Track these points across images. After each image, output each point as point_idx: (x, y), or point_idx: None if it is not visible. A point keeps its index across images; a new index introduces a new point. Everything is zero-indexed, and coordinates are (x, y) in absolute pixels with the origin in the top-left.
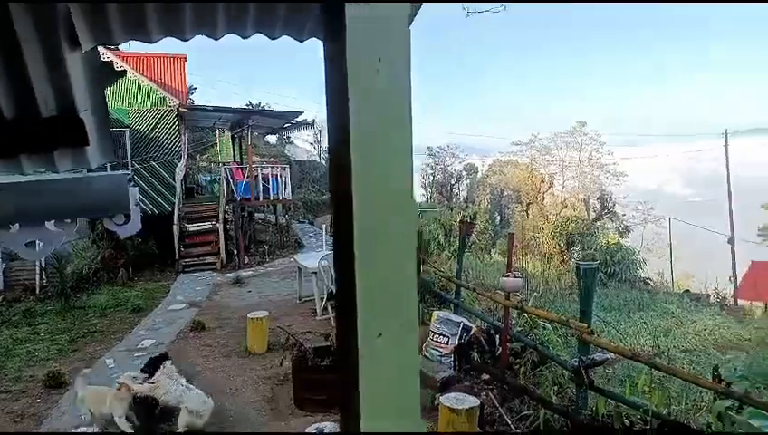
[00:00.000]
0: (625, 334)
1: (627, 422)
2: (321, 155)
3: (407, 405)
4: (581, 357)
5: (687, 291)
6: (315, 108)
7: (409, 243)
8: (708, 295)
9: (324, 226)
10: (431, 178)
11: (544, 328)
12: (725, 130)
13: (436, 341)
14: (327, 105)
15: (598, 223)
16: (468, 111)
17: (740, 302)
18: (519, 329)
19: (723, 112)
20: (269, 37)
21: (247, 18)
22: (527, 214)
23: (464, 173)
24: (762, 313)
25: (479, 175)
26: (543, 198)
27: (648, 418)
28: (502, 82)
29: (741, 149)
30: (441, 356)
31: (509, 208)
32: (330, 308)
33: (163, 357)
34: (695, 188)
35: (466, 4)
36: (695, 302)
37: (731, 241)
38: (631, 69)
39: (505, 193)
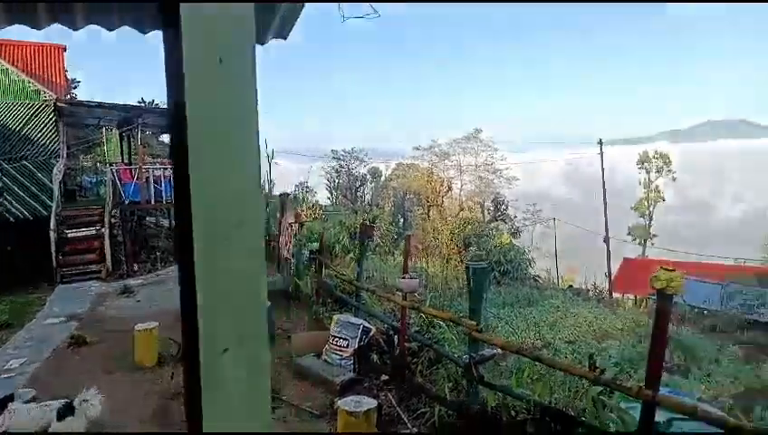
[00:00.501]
0: (517, 329)
1: (513, 413)
2: None
3: (255, 419)
4: (471, 354)
5: (571, 286)
6: None
7: (256, 251)
8: (588, 290)
9: None
10: (336, 181)
11: (441, 327)
12: (600, 140)
13: (336, 344)
14: (167, 101)
15: (492, 224)
16: (375, 116)
17: (614, 295)
18: (417, 329)
19: (600, 123)
20: (106, 28)
21: (75, 8)
22: (428, 216)
23: (368, 177)
24: (632, 304)
25: (383, 179)
26: (442, 201)
27: (531, 407)
28: (404, 88)
29: (615, 157)
30: (341, 360)
31: (411, 211)
32: None
33: (7, 399)
34: (577, 191)
35: (342, 8)
36: (576, 296)
37: (606, 240)
38: (524, 79)
39: (408, 196)
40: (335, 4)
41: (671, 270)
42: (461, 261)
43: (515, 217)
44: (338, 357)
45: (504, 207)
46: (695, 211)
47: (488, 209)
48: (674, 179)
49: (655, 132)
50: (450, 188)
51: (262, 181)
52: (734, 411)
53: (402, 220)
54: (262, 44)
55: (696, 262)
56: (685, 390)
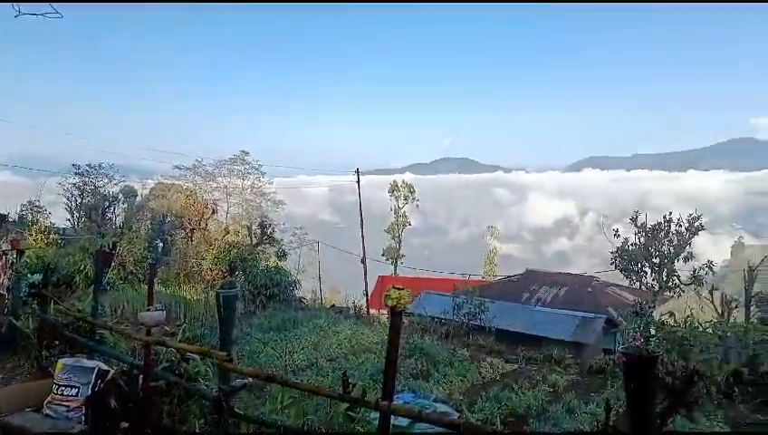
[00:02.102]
0: (282, 351)
1: None
2: None
3: None
4: (221, 386)
5: (333, 306)
6: None
7: None
8: (349, 308)
9: None
10: (78, 200)
11: (194, 360)
12: (357, 169)
13: (62, 394)
14: None
15: (259, 248)
16: (126, 129)
17: (371, 311)
18: (167, 364)
19: (360, 153)
20: None
21: None
22: (191, 240)
23: (120, 196)
24: (386, 319)
25: (139, 199)
26: (207, 224)
27: (281, 433)
28: (165, 102)
29: (369, 185)
30: (68, 411)
31: (172, 235)
32: None
33: None
34: (340, 216)
35: (17, 5)
36: (339, 315)
37: (363, 261)
38: (295, 107)
39: (168, 219)
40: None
41: (401, 289)
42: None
43: (282, 240)
44: (64, 409)
45: (270, 230)
46: (433, 233)
47: (255, 233)
48: (417, 206)
49: (403, 165)
50: (215, 211)
51: None
52: (463, 404)
53: (161, 245)
54: None
55: (434, 277)
56: (426, 392)
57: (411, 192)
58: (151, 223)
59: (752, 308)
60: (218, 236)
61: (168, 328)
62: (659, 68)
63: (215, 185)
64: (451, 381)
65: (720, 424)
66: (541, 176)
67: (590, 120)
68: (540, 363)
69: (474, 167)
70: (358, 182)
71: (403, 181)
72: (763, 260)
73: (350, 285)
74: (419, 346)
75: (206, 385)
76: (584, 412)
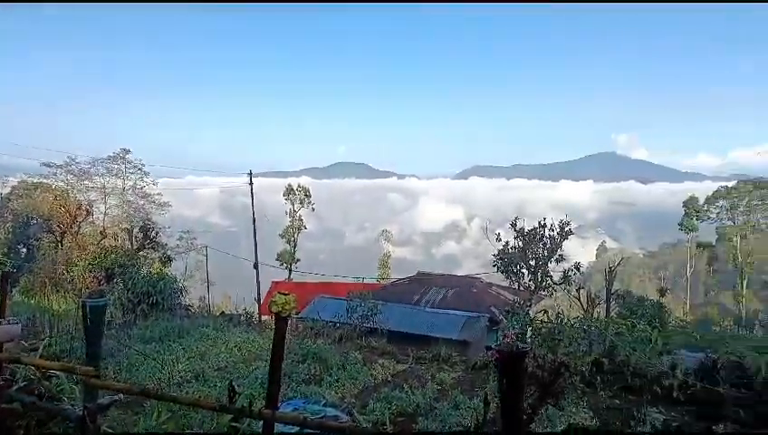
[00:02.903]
0: (165, 363)
1: None
2: None
3: None
4: (86, 405)
5: (223, 313)
6: None
7: None
8: (240, 315)
9: None
10: None
11: (57, 378)
12: (251, 171)
13: None
14: None
15: (141, 253)
16: None
17: (264, 317)
18: (24, 384)
19: (255, 155)
20: None
21: None
22: (60, 245)
23: None
24: None
25: None
26: (80, 227)
27: None
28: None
29: (264, 188)
30: None
31: (39, 239)
32: None
33: None
34: (232, 219)
35: None
36: (229, 322)
37: (256, 266)
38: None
39: (34, 221)
40: None
41: (286, 294)
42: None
43: (167, 244)
44: None
45: (154, 233)
46: (329, 237)
47: (137, 237)
48: (313, 210)
49: (299, 168)
50: (90, 213)
51: None
52: (355, 406)
53: (25, 250)
54: None
55: (330, 281)
56: (318, 397)
57: (307, 196)
58: (13, 225)
59: (612, 304)
60: (94, 241)
61: (26, 343)
62: (541, 83)
63: (90, 184)
64: (344, 385)
65: (584, 410)
66: (432, 182)
67: (475, 132)
68: (429, 362)
69: (369, 172)
70: (251, 184)
71: (299, 185)
72: (619, 262)
73: (242, 291)
74: (312, 351)
75: (72, 404)
76: (468, 407)
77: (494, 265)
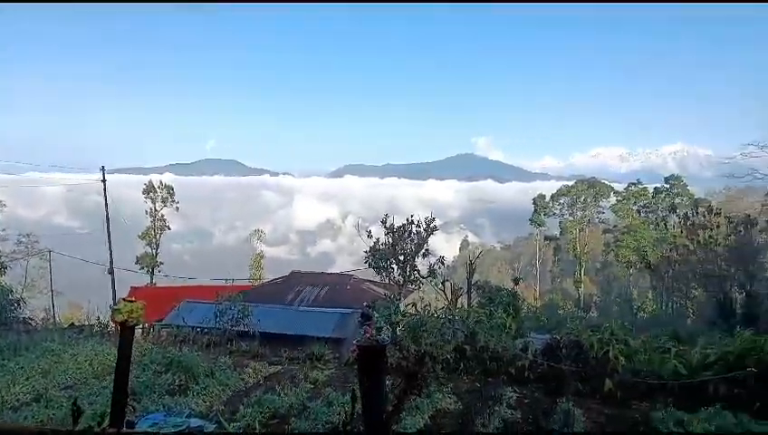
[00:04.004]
0: None
1: None
2: None
3: None
4: None
5: (72, 325)
6: None
7: None
8: (92, 326)
9: None
10: None
11: None
12: (103, 167)
13: None
14: None
15: None
16: None
17: None
18: None
19: (111, 151)
20: None
21: None
22: None
23: None
24: (140, 334)
25: None
26: None
27: None
28: None
29: (120, 185)
30: None
31: None
32: None
33: None
34: (82, 220)
35: None
36: (79, 334)
37: (110, 271)
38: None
39: None
40: None
41: (132, 301)
42: None
43: (1, 249)
44: None
45: None
46: (196, 238)
47: None
48: (178, 209)
49: (162, 164)
50: None
51: None
52: (224, 414)
53: None
54: None
55: (197, 285)
56: (182, 407)
57: (171, 193)
58: None
59: (473, 294)
60: None
61: None
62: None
63: None
64: (212, 392)
65: (449, 395)
66: (306, 180)
67: (347, 132)
68: (302, 362)
69: (240, 169)
70: (104, 181)
71: (161, 182)
72: (478, 255)
73: (95, 300)
74: (177, 359)
75: None
76: (341, 403)
77: (366, 261)
